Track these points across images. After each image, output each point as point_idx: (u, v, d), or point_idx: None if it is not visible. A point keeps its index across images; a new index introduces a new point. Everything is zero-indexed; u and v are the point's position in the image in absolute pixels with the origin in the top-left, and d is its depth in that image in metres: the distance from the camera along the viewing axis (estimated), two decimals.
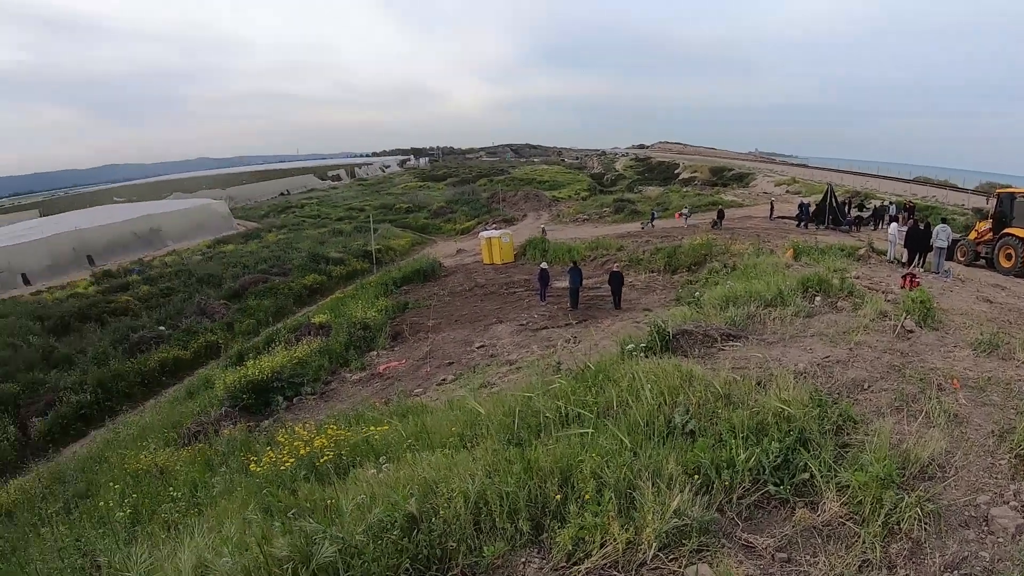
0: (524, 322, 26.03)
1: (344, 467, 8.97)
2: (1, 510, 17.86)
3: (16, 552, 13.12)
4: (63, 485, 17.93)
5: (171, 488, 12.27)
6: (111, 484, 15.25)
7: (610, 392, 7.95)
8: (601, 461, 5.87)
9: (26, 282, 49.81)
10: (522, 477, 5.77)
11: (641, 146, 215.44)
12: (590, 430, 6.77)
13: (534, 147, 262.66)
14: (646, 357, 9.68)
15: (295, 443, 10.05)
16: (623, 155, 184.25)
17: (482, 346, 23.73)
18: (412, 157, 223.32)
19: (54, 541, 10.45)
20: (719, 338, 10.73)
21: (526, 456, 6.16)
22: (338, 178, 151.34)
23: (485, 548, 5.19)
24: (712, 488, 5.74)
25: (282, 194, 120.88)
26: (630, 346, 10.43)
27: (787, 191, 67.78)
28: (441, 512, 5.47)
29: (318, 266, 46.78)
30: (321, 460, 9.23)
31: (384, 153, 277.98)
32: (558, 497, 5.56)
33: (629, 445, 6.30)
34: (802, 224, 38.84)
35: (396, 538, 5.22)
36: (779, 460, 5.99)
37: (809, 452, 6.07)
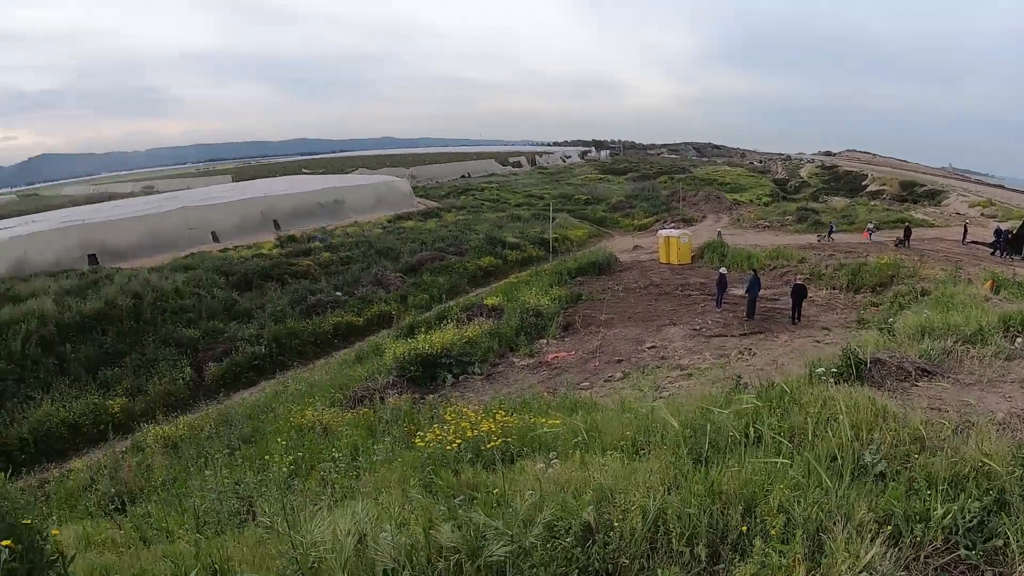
0: (697, 327, 24.90)
1: (510, 456, 8.38)
2: (169, 442, 18.63)
3: (177, 483, 13.39)
4: (229, 428, 18.37)
5: (333, 448, 12.01)
6: (275, 435, 15.48)
7: (797, 418, 7.09)
8: (791, 494, 5.07)
9: (215, 239, 52.37)
10: (704, 500, 5.04)
11: (828, 153, 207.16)
12: (780, 460, 5.82)
13: (716, 147, 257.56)
14: (836, 383, 8.59)
15: (462, 423, 9.49)
16: (808, 161, 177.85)
17: (653, 347, 22.81)
18: (593, 149, 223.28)
19: (215, 481, 10.37)
20: (913, 372, 9.47)
21: (710, 477, 5.42)
22: (519, 165, 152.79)
23: (659, 571, 4.51)
24: (901, 542, 4.83)
25: (463, 176, 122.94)
26: (820, 369, 9.35)
27: (982, 214, 62.44)
28: (616, 525, 4.83)
29: (494, 249, 46.74)
30: (488, 446, 8.65)
31: (565, 143, 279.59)
32: (743, 528, 4.83)
33: (827, 482, 5.37)
34: (997, 252, 35.67)
35: (568, 546, 4.66)
36: (974, 521, 4.97)
37: (1008, 517, 4.95)
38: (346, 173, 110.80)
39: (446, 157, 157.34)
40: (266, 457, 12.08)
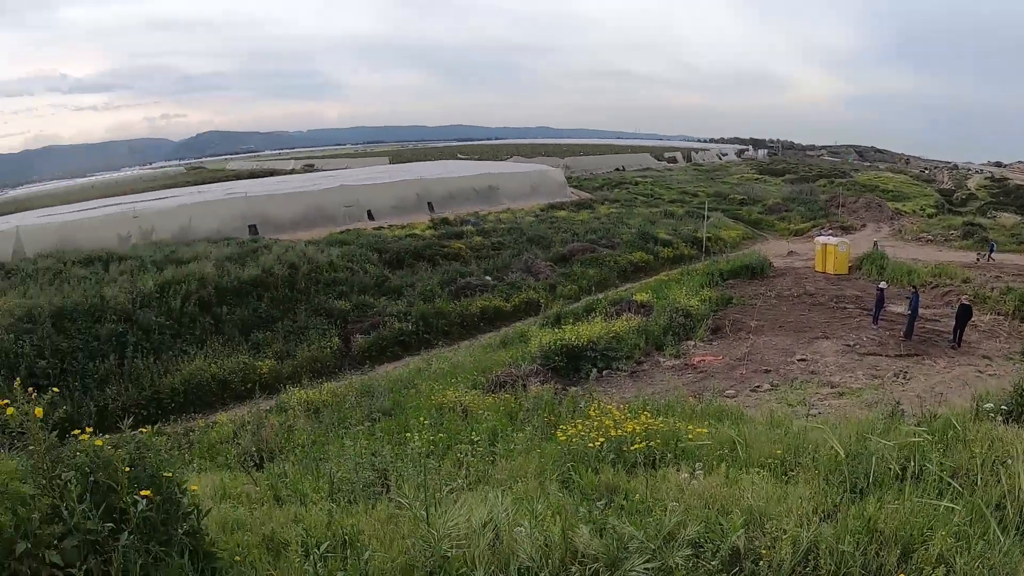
0: (851, 343, 23.57)
1: (652, 460, 7.90)
2: (312, 406, 18.96)
3: (316, 447, 13.40)
4: (371, 399, 18.43)
5: (472, 431, 11.67)
6: (416, 411, 15.44)
7: (961, 456, 6.40)
8: (953, 544, 4.54)
9: (371, 218, 53.48)
10: (861, 536, 4.59)
11: (998, 164, 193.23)
12: (944, 503, 5.25)
13: (880, 151, 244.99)
14: (1005, 422, 7.90)
15: (605, 420, 8.96)
16: (977, 172, 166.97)
17: (803, 359, 21.80)
18: (750, 148, 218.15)
19: (353, 450, 10.15)
20: None
21: (865, 512, 4.92)
22: (674, 160, 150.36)
23: None
24: None
25: (617, 169, 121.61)
26: (988, 404, 8.57)
27: None
28: (764, 553, 4.44)
29: (646, 244, 45.73)
30: (631, 447, 8.09)
31: (722, 140, 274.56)
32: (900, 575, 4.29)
33: (996, 534, 4.77)
34: None
35: (713, 569, 4.28)
36: None
37: None
38: (501, 160, 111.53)
39: (601, 149, 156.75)
40: (406, 434, 11.82)
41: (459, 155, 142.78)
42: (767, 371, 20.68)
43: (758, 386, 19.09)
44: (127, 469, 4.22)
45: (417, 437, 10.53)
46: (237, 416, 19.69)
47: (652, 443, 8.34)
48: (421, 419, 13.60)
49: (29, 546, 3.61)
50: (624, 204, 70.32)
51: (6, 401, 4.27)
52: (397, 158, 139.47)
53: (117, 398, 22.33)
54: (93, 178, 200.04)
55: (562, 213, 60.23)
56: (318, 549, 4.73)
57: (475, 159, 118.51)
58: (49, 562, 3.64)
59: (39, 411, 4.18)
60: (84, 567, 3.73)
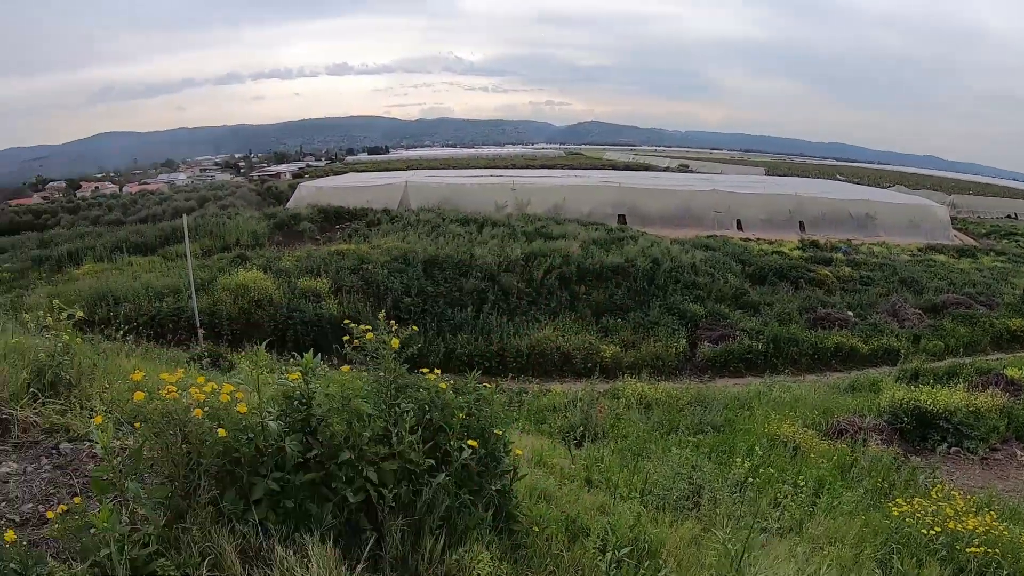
0: None
1: (986, 570, 7.03)
2: (644, 400, 19.10)
3: (637, 440, 13.47)
4: (703, 409, 18.07)
5: (798, 473, 11.04)
6: (745, 434, 15.05)
7: None
8: None
9: (739, 227, 52.73)
10: None
11: None
12: None
13: None
14: None
15: (946, 508, 8.05)
16: None
17: None
18: None
19: (677, 457, 10.17)
20: None
21: None
22: None
23: None
24: None
25: (1009, 216, 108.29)
26: None
27: None
28: None
29: None
30: (965, 548, 7.21)
31: None
32: None
33: None
34: None
35: None
36: None
37: None
38: (882, 188, 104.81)
39: (994, 189, 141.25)
40: (732, 456, 11.45)
41: (838, 176, 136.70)
42: None
43: None
44: (462, 416, 4.59)
45: (741, 462, 10.21)
46: (571, 390, 20.26)
47: (991, 551, 7.40)
48: (751, 445, 13.20)
49: (352, 457, 4.04)
50: (1011, 259, 62.81)
51: (368, 327, 4.78)
52: (773, 170, 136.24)
53: (466, 346, 24.20)
54: (478, 150, 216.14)
55: (941, 257, 54.95)
56: (618, 551, 4.79)
57: (854, 182, 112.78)
58: (365, 476, 4.04)
59: (395, 342, 4.63)
60: (395, 491, 4.08)
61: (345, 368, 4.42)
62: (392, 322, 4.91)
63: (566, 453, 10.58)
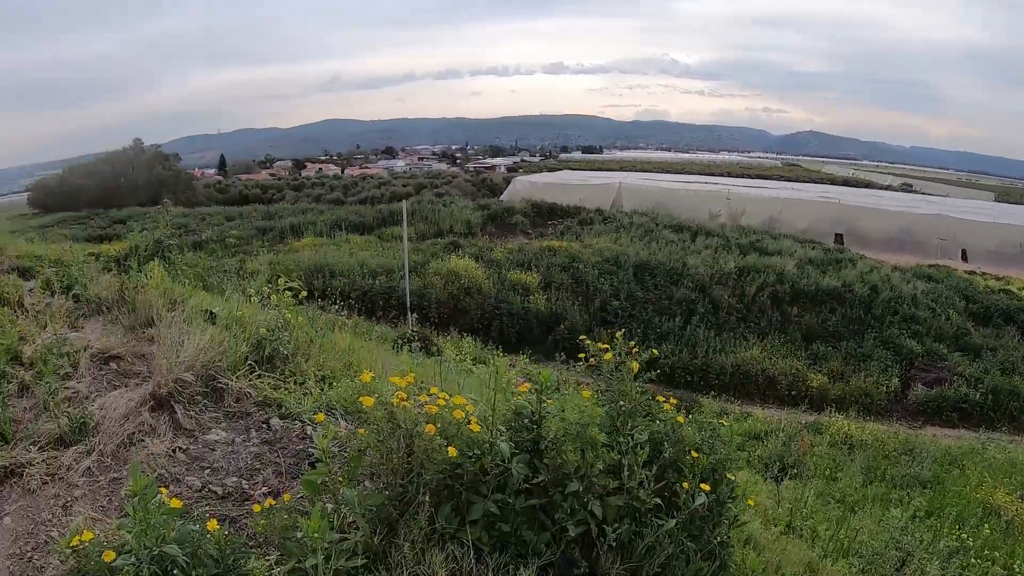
0: None
1: None
2: (847, 440, 18.48)
3: (847, 484, 13.17)
4: (910, 460, 17.27)
5: (1011, 555, 10.37)
6: (955, 498, 14.20)
7: None
8: None
9: (964, 259, 49.22)
10: None
11: None
12: None
13: None
14: None
15: None
16: None
17: None
18: None
19: (899, 518, 9.61)
20: None
21: None
22: None
23: None
24: None
25: None
26: None
27: None
28: None
29: None
30: None
31: None
32: None
33: None
34: None
35: None
36: None
37: None
38: None
39: None
40: (945, 527, 10.92)
41: None
42: None
43: None
44: (695, 454, 4.26)
45: (950, 530, 9.83)
46: (773, 417, 20.00)
47: None
48: (960, 511, 12.60)
49: (579, 488, 3.82)
50: None
51: (606, 346, 4.61)
52: (1003, 196, 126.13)
53: (670, 356, 23.89)
54: (692, 155, 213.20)
55: None
56: None
57: None
58: (590, 510, 3.83)
59: (635, 365, 4.46)
60: (617, 528, 3.88)
61: (545, 372, 4.12)
62: (632, 345, 4.75)
63: (767, 489, 10.58)
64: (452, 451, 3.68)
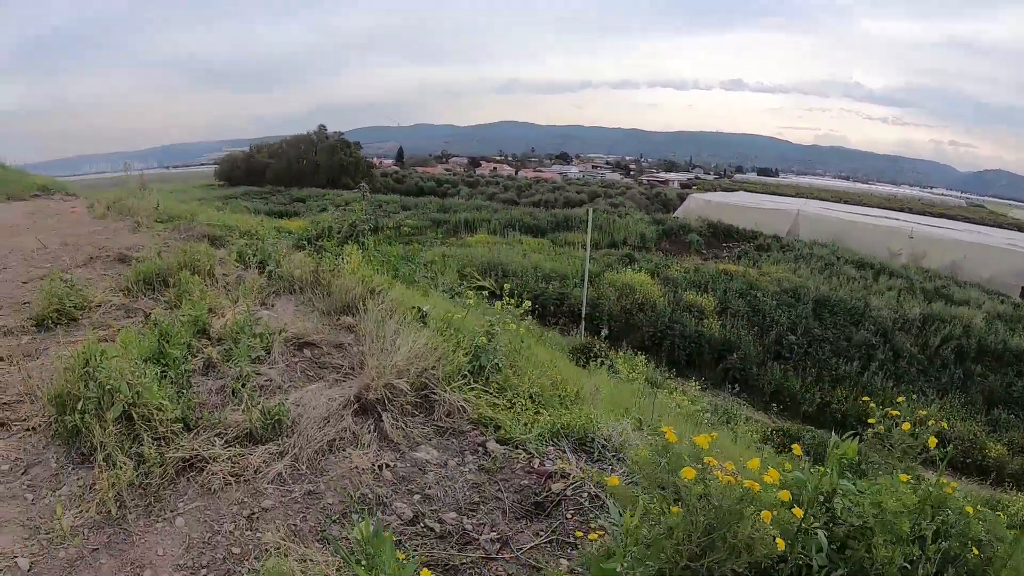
0: None
1: None
2: (1017, 520, 17.17)
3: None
4: None
5: None
6: None
7: None
8: None
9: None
10: None
11: None
12: None
13: None
14: None
15: None
16: None
17: None
18: None
19: None
20: None
21: None
22: None
23: None
24: None
25: None
26: None
27: None
28: None
29: None
30: None
31: None
32: None
33: None
34: None
35: None
36: None
37: None
38: None
39: None
40: None
41: None
42: None
43: None
44: (975, 551, 3.47)
45: None
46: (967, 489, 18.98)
47: None
48: None
49: None
50: None
51: (898, 413, 4.22)
52: None
53: (843, 402, 23.17)
54: (871, 186, 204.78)
55: None
56: None
57: None
58: None
59: (932, 441, 3.90)
60: None
61: (850, 448, 3.56)
62: (922, 410, 4.33)
63: None
64: (781, 544, 2.99)
